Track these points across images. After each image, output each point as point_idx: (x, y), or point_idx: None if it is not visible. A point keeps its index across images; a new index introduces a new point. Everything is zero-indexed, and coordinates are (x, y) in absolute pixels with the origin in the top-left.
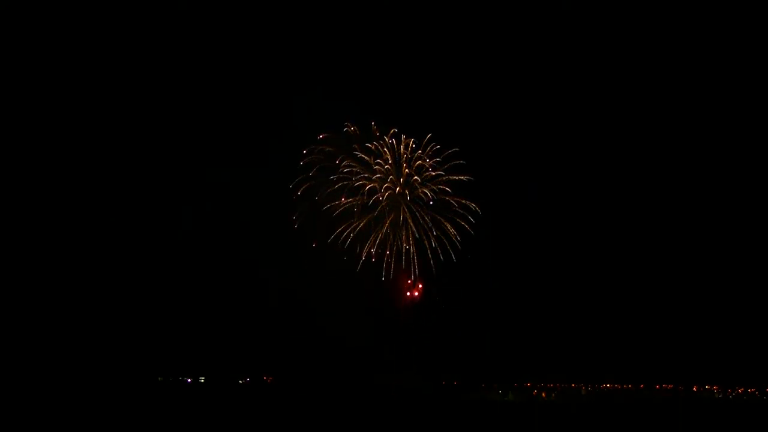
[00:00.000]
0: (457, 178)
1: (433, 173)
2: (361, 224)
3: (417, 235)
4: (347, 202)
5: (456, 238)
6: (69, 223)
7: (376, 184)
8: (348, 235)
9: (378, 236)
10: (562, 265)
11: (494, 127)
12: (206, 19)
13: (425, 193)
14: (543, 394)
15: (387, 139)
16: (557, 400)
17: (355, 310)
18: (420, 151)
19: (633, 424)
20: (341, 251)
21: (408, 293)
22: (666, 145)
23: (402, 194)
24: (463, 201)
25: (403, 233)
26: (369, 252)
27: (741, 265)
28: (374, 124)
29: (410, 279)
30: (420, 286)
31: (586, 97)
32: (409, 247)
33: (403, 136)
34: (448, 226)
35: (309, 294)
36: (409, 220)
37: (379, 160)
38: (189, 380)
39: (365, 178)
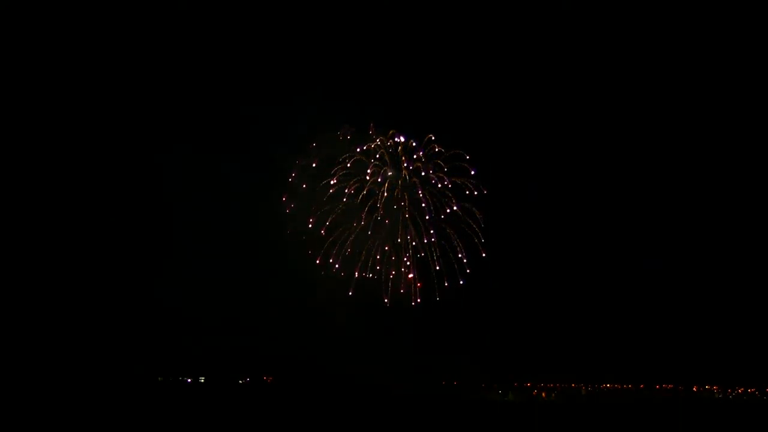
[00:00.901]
0: (459, 181)
1: (434, 177)
2: (358, 228)
3: (418, 249)
4: (343, 208)
5: (458, 244)
6: (69, 222)
7: (374, 186)
8: (344, 245)
9: (376, 243)
10: (562, 265)
11: (495, 127)
12: (206, 19)
13: (425, 197)
14: (543, 394)
15: (386, 141)
16: (557, 400)
17: (354, 312)
18: (421, 154)
19: (633, 424)
20: (336, 266)
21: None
22: (666, 145)
23: (401, 198)
24: (467, 205)
25: (401, 241)
26: (366, 262)
27: (740, 265)
28: (373, 125)
29: (410, 275)
30: (419, 286)
31: (586, 97)
32: (409, 264)
33: (402, 138)
34: (448, 228)
35: (308, 295)
36: (410, 225)
37: (377, 163)
38: (189, 380)
39: (362, 181)
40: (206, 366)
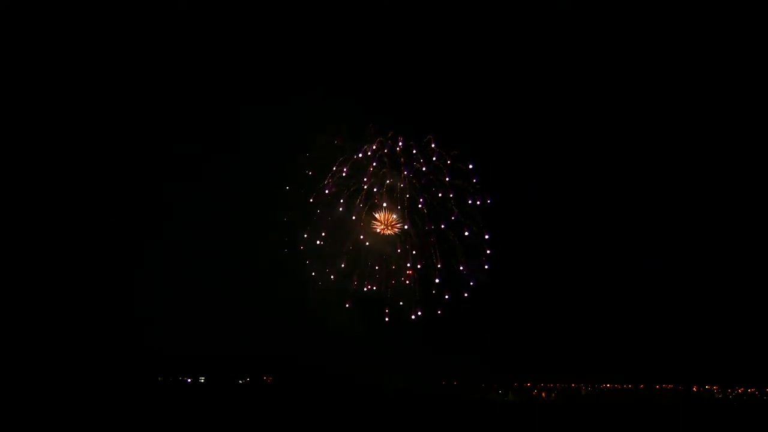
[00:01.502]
0: (459, 183)
1: (435, 181)
2: (356, 235)
3: (418, 258)
4: (340, 214)
5: (460, 253)
6: (67, 222)
7: (373, 191)
8: (340, 254)
9: (374, 251)
10: (562, 265)
11: (495, 127)
12: (205, 19)
13: (426, 203)
14: (543, 394)
15: (385, 143)
16: (557, 400)
17: (353, 312)
18: (422, 161)
19: (633, 424)
20: (332, 277)
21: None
22: (666, 145)
23: (401, 201)
24: (468, 209)
25: (400, 250)
26: (364, 272)
27: (741, 265)
28: (372, 127)
29: (408, 282)
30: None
31: (586, 98)
32: (412, 276)
33: (401, 140)
34: (450, 235)
35: (307, 294)
36: (410, 232)
37: (376, 166)
38: (189, 380)
39: (360, 186)
40: (206, 366)
